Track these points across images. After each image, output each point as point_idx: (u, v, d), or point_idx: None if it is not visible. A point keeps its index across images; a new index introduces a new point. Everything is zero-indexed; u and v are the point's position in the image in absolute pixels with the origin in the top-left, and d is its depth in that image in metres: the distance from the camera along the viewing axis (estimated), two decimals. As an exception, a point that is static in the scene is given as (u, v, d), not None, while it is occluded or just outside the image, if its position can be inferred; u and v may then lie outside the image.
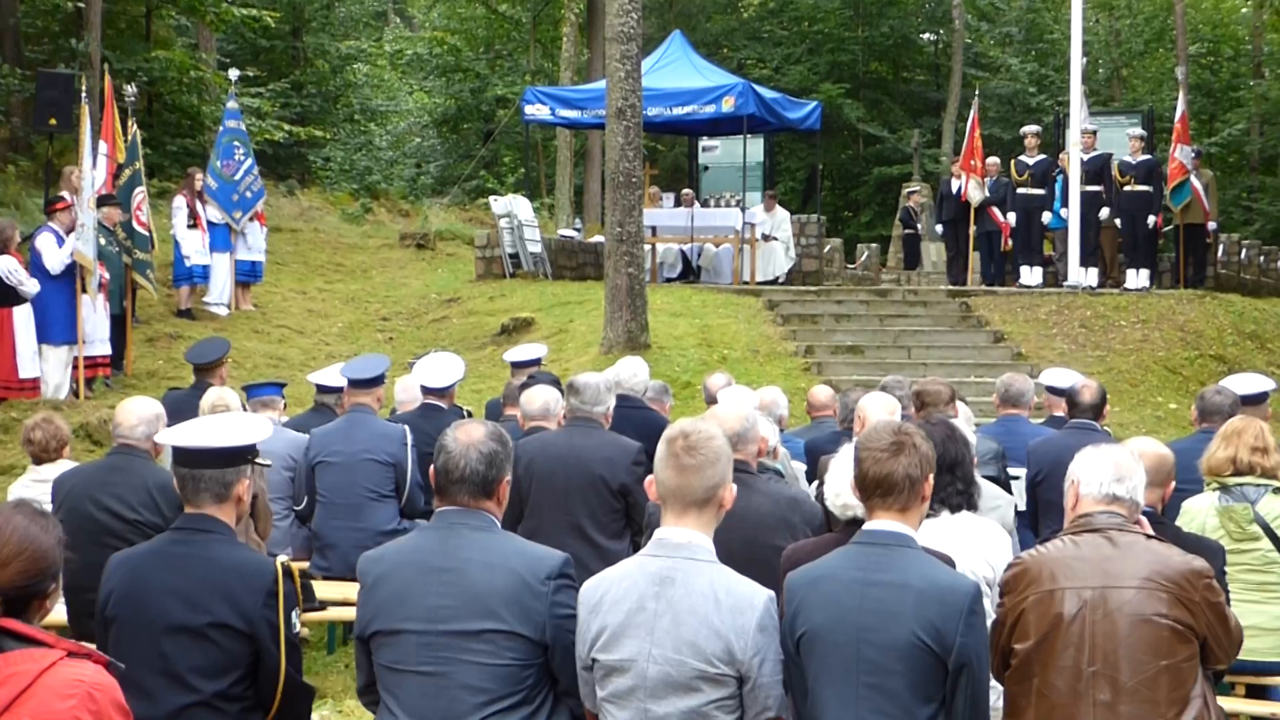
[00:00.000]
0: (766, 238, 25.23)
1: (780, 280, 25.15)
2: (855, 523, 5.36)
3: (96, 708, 3.76)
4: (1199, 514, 7.60)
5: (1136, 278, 23.22)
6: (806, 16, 47.39)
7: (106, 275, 16.37)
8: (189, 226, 20.23)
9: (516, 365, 12.35)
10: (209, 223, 20.59)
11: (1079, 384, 9.75)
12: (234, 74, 22.90)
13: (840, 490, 5.57)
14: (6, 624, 3.80)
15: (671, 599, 4.55)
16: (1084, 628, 5.03)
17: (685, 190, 27.32)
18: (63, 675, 3.77)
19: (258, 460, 5.50)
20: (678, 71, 25.51)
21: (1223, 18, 52.37)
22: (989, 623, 5.06)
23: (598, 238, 24.70)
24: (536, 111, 26.15)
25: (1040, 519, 9.26)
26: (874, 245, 32.50)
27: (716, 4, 49.43)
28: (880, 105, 47.29)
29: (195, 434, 5.29)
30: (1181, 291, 22.67)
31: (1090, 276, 22.83)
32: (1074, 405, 9.60)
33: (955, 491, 6.15)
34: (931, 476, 4.85)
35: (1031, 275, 23.94)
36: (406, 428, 9.69)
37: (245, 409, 9.87)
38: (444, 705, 4.71)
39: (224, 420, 5.61)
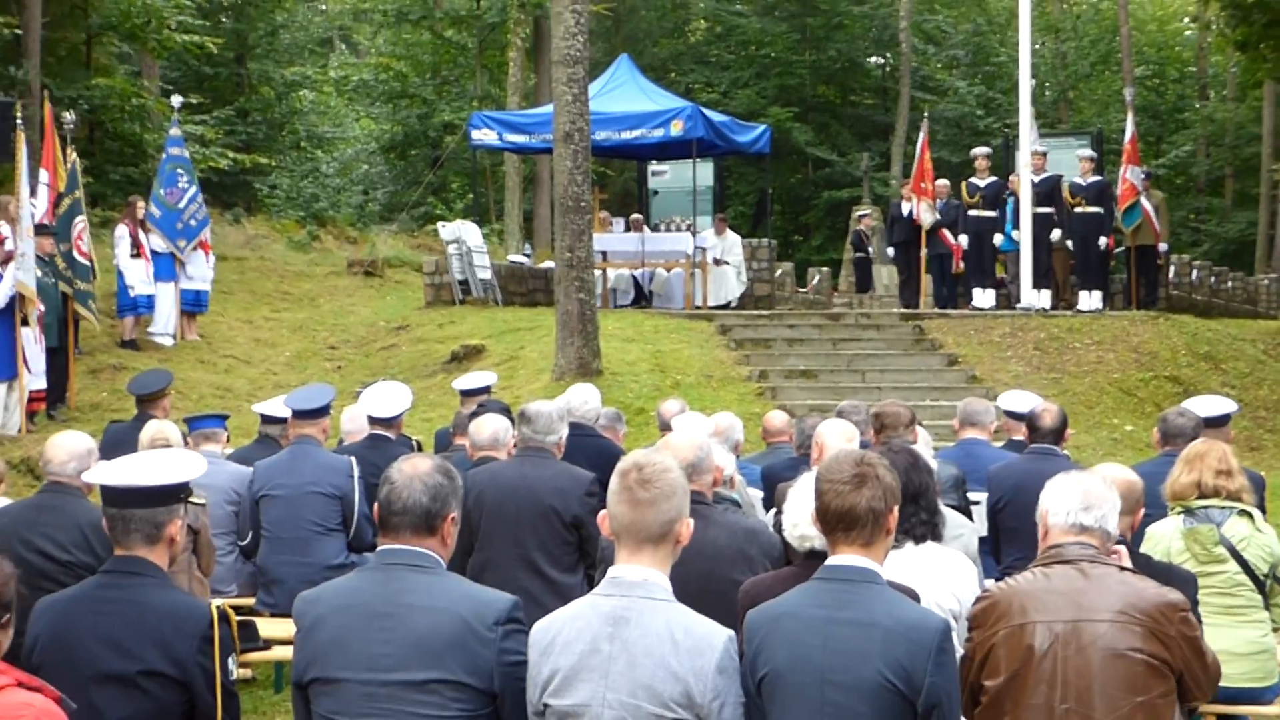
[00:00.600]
0: (718, 262, 25.09)
1: (732, 305, 25.01)
2: (814, 555, 5.19)
3: None
4: (1163, 539, 7.44)
5: (1089, 299, 23.18)
6: (754, 40, 47.49)
7: (42, 308, 16.05)
8: (132, 256, 19.88)
9: (466, 393, 12.13)
10: (153, 252, 20.23)
11: (1039, 408, 9.58)
12: (177, 101, 22.56)
13: (798, 521, 5.37)
14: None
15: (627, 640, 4.33)
16: (1056, 663, 4.84)
17: (635, 215, 27.19)
18: (11, 699, 3.71)
19: (192, 499, 5.28)
20: (625, 95, 25.39)
21: (1168, 40, 52.90)
22: (957, 657, 4.87)
23: (548, 263, 24.52)
24: (483, 136, 25.95)
25: (1001, 546, 9.09)
26: (825, 269, 32.48)
27: (663, 28, 49.54)
28: (829, 129, 47.45)
29: (124, 473, 5.06)
30: (1135, 313, 22.65)
31: (1043, 298, 22.77)
32: (1034, 430, 9.43)
33: (920, 522, 5.96)
34: (896, 509, 4.64)
35: (984, 298, 23.87)
36: (353, 459, 9.44)
37: (186, 442, 9.59)
38: None
39: (155, 458, 5.35)
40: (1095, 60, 49.06)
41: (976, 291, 23.98)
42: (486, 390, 12.21)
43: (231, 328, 22.62)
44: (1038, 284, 22.60)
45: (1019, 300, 22.81)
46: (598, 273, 21.33)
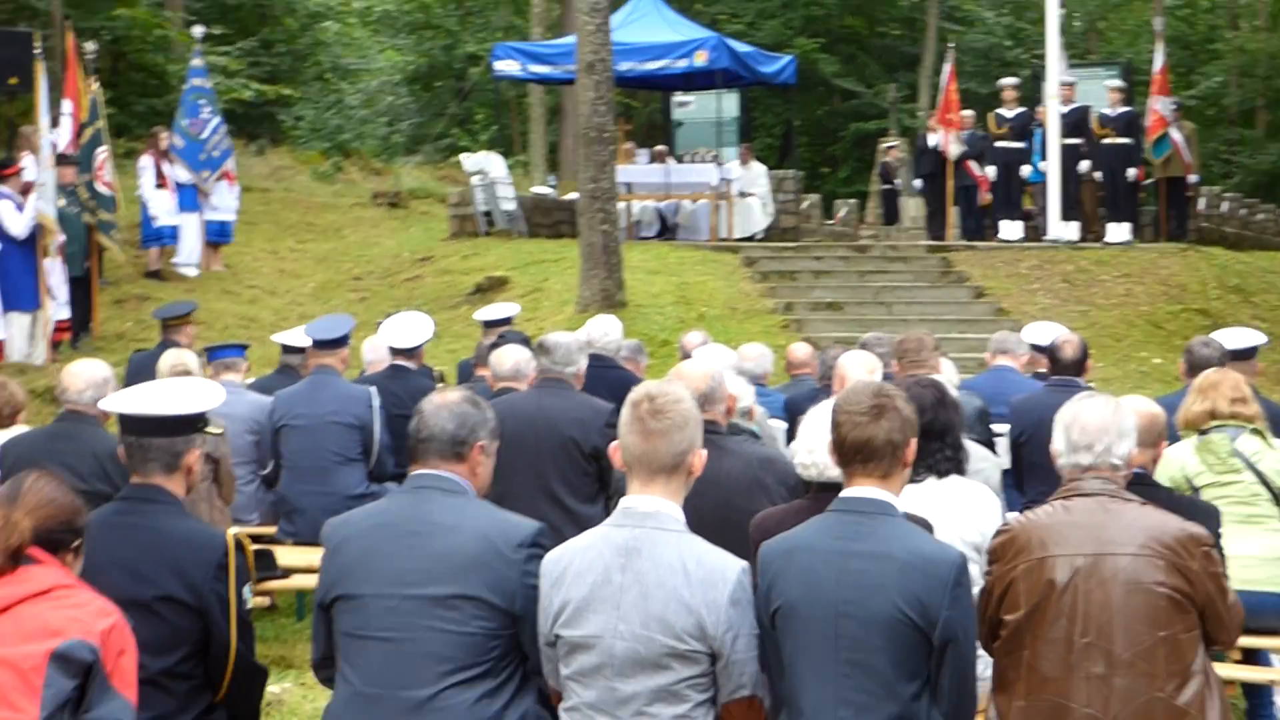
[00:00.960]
0: (743, 194, 24.94)
1: (758, 237, 24.88)
2: (827, 487, 5.14)
3: (111, 623, 4.12)
4: (1176, 458, 7.40)
5: (1118, 231, 22.99)
6: (781, -30, 47.01)
7: (63, 237, 16.02)
8: (156, 187, 19.83)
9: (488, 325, 12.10)
10: (176, 183, 20.20)
11: (1060, 339, 9.53)
12: (199, 31, 22.45)
13: (812, 450, 5.31)
14: (36, 552, 4.22)
15: (639, 571, 4.33)
16: (1076, 597, 4.77)
17: (659, 147, 27.02)
18: (80, 595, 4.19)
19: (209, 429, 5.29)
20: (649, 26, 25.18)
21: (1199, -32, 52.18)
22: (976, 590, 4.85)
23: (573, 195, 24.40)
24: (507, 67, 25.81)
25: (1025, 478, 9.07)
26: (852, 201, 32.25)
27: (689, -43, 49.04)
28: (856, 60, 46.97)
29: (142, 401, 5.05)
30: (1164, 245, 22.45)
31: (1071, 230, 22.57)
32: (1055, 361, 9.38)
33: (944, 458, 5.93)
34: (914, 441, 4.62)
35: (1011, 230, 23.67)
36: (373, 389, 9.41)
37: (205, 371, 9.58)
38: (404, 673, 4.53)
39: (173, 386, 5.36)
40: (1126, -11, 48.55)
41: (1004, 223, 23.77)
42: (508, 321, 12.17)
43: (256, 259, 22.62)
44: (1066, 216, 22.41)
45: (1046, 232, 22.63)
46: (622, 205, 21.24)
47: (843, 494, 4.64)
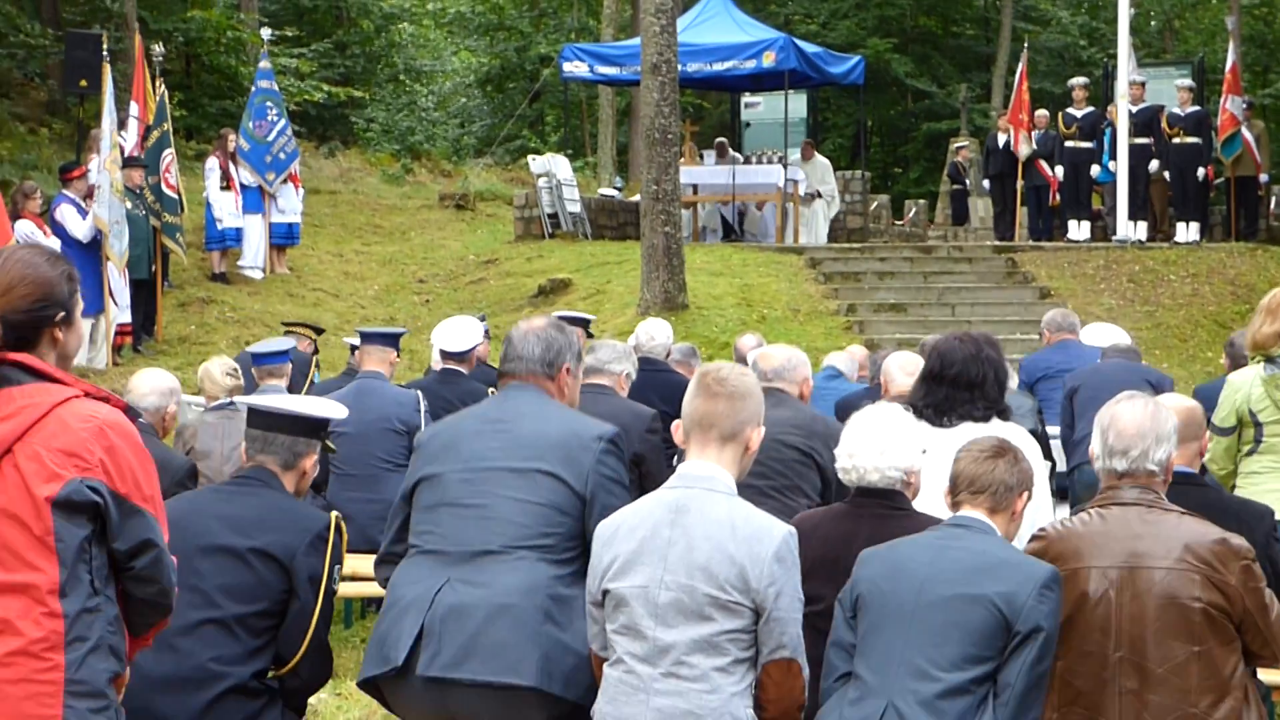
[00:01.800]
0: (808, 195, 24.84)
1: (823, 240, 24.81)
2: (865, 492, 5.20)
3: (109, 443, 3.77)
4: (1243, 386, 7.35)
5: (1186, 231, 22.75)
6: (854, -30, 46.86)
7: (119, 242, 16.14)
8: (222, 189, 20.00)
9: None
10: (241, 185, 20.35)
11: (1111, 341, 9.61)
12: (266, 33, 22.68)
13: (854, 453, 5.25)
14: (16, 358, 3.80)
15: (687, 526, 4.40)
16: (1110, 610, 4.70)
17: (720, 139, 26.97)
18: (78, 409, 3.78)
19: (329, 443, 5.50)
20: (717, 27, 25.15)
21: (1278, -34, 51.57)
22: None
23: (638, 196, 24.44)
24: (575, 69, 25.86)
25: (1076, 421, 9.26)
26: (921, 201, 32.15)
27: (762, -41, 48.97)
28: (929, 60, 46.72)
29: (273, 399, 5.42)
30: (1233, 244, 22.20)
31: (1139, 230, 22.36)
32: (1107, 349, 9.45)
33: (983, 405, 5.90)
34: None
35: (1079, 230, 23.48)
36: (419, 392, 9.43)
37: (250, 374, 9.63)
38: (473, 535, 4.81)
39: (305, 398, 5.73)
40: (1203, -12, 48.06)
41: (1071, 223, 23.60)
42: (585, 324, 12.05)
43: (322, 261, 22.77)
44: (1134, 215, 22.20)
45: (1115, 232, 22.43)
46: (687, 209, 21.21)
47: (952, 515, 4.82)
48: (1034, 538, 5.05)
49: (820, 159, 25.93)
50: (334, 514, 5.17)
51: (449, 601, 4.72)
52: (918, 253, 22.91)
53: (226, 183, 20.02)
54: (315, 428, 5.28)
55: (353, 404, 9.22)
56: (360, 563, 8.83)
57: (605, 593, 4.47)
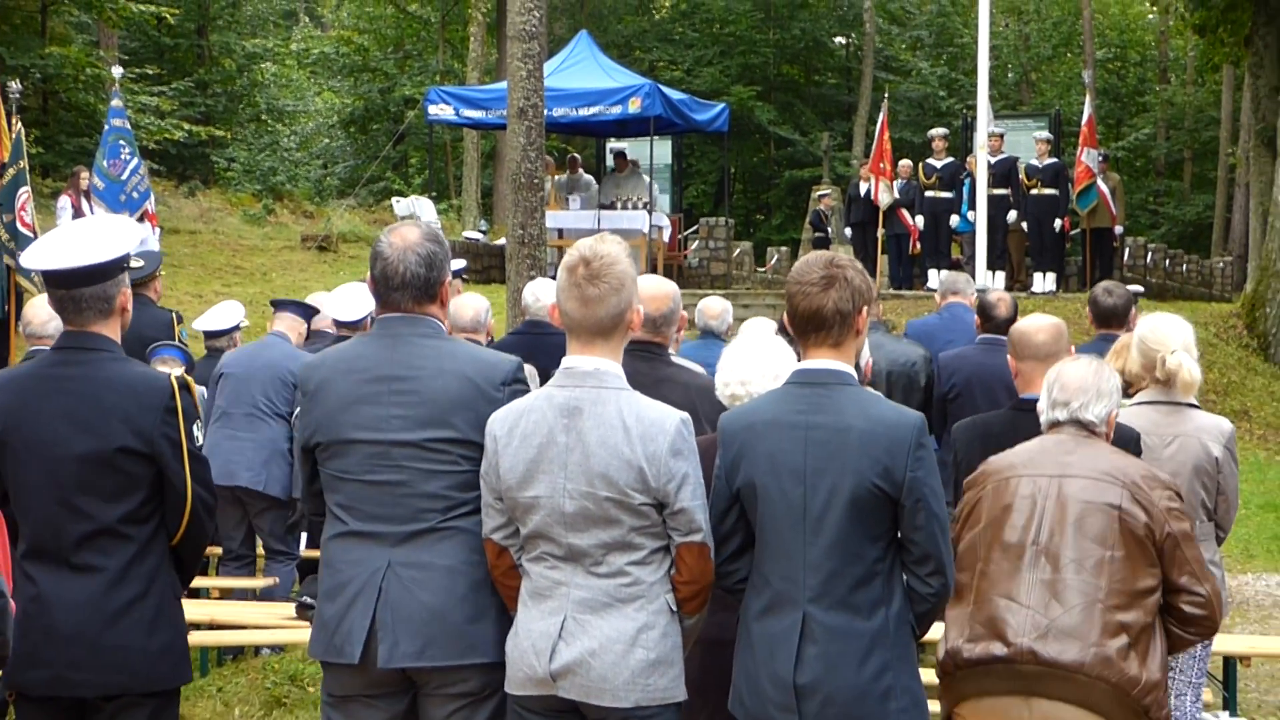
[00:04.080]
0: (626, 204, 24.63)
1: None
2: None
3: None
4: None
5: (1043, 281, 23.17)
6: (718, 19, 47.36)
7: None
8: (76, 229, 19.65)
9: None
10: (97, 224, 20.01)
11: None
12: (118, 71, 22.26)
13: (729, 380, 5.31)
14: None
15: (581, 431, 4.43)
16: (1035, 508, 4.92)
17: (572, 155, 27.01)
18: None
19: (130, 264, 5.21)
20: (584, 72, 25.23)
21: (1129, 23, 52.96)
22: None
23: (503, 240, 24.37)
24: (440, 111, 25.76)
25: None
26: (784, 248, 32.46)
27: (628, 5, 49.34)
28: (792, 108, 47.33)
29: (67, 253, 4.92)
30: (1088, 295, 22.48)
31: (997, 280, 22.72)
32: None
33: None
34: (866, 310, 4.65)
35: (938, 279, 23.77)
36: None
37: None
38: (399, 512, 4.68)
39: (92, 231, 5.13)
40: (1058, 42, 49.10)
41: (931, 272, 23.91)
42: (459, 275, 12.00)
43: (181, 302, 22.39)
44: (992, 265, 22.55)
45: (974, 281, 22.72)
46: (553, 250, 21.17)
47: (799, 366, 4.73)
48: (981, 469, 5.22)
49: (640, 176, 25.80)
50: (173, 374, 4.99)
51: (396, 591, 4.64)
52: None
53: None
54: (118, 267, 4.96)
55: (250, 353, 9.77)
56: (218, 610, 8.71)
57: (510, 497, 4.51)
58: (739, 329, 8.73)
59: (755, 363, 5.23)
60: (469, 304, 8.58)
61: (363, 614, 4.66)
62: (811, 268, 4.67)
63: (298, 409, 5.00)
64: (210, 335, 10.61)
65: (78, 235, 5.08)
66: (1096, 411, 5.12)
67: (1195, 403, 6.49)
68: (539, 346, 8.67)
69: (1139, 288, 10.43)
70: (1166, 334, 6.32)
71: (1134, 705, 4.72)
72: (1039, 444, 5.14)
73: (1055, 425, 5.17)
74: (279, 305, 10.27)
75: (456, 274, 11.79)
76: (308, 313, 10.24)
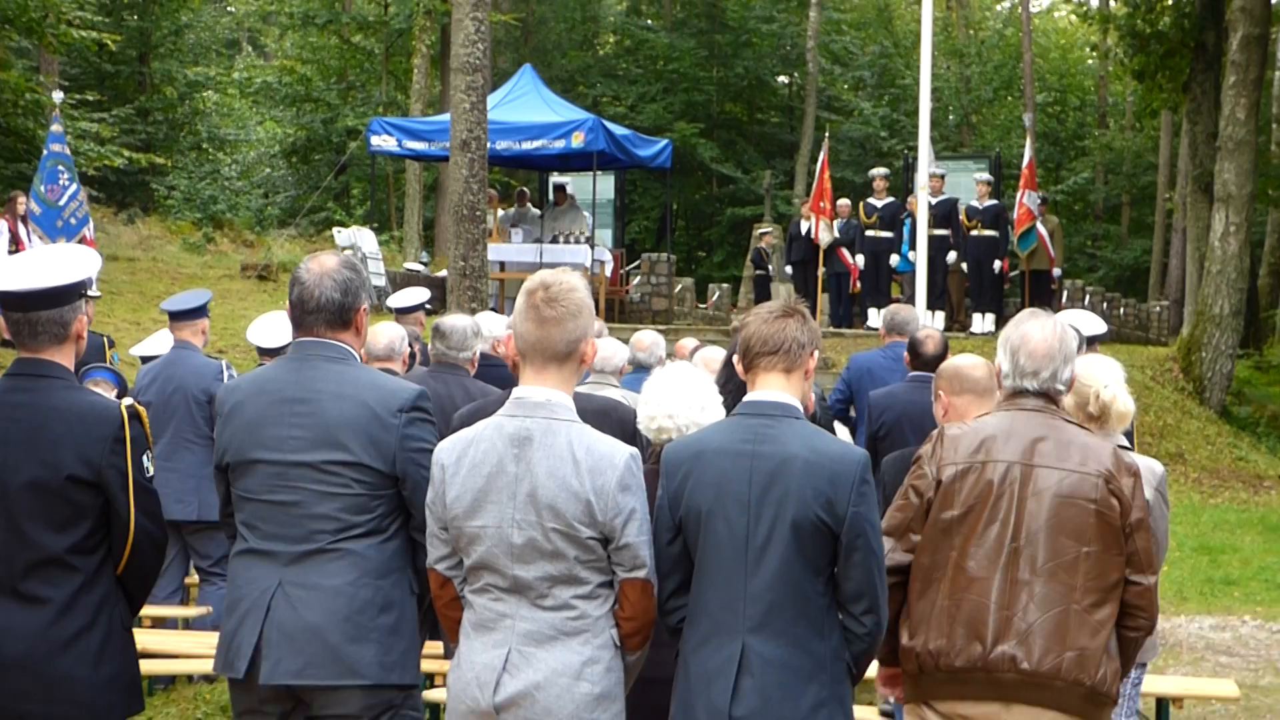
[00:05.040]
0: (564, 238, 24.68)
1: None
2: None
3: None
4: None
5: (982, 322, 23.34)
6: (662, 56, 47.50)
7: None
8: (11, 252, 19.47)
9: (400, 312, 11.72)
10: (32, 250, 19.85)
11: (922, 334, 9.56)
12: (58, 96, 22.15)
13: (654, 414, 5.29)
14: None
15: (530, 461, 4.43)
16: (1010, 503, 4.87)
17: (521, 189, 26.99)
18: None
19: (89, 293, 5.24)
20: (528, 105, 25.26)
21: (1069, 68, 53.49)
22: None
23: (444, 272, 24.33)
24: (383, 142, 25.72)
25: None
26: (725, 285, 32.49)
27: (572, 41, 49.45)
28: (734, 146, 47.52)
29: (26, 275, 4.92)
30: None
31: (937, 320, 22.79)
32: (916, 356, 9.42)
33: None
34: (817, 354, 4.72)
35: (879, 318, 23.83)
36: (225, 362, 9.67)
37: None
38: (294, 531, 4.79)
39: (51, 256, 5.18)
40: (998, 86, 49.49)
41: (871, 311, 23.99)
42: (420, 308, 11.82)
43: (119, 329, 22.19)
44: (932, 305, 22.64)
45: (913, 321, 22.83)
46: (495, 282, 21.14)
47: (746, 398, 4.73)
48: (939, 432, 5.15)
49: (577, 211, 25.82)
50: (123, 403, 4.97)
51: (283, 610, 4.73)
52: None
53: (16, 246, 19.50)
54: (75, 292, 4.94)
55: (160, 374, 9.52)
56: (149, 638, 8.62)
57: (457, 527, 4.51)
58: (695, 358, 8.75)
59: (679, 394, 5.23)
60: (384, 332, 8.57)
61: (251, 630, 4.75)
62: (771, 304, 4.81)
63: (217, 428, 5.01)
64: (266, 353, 9.97)
65: (36, 260, 5.12)
66: (1064, 378, 5.06)
67: (1129, 445, 6.52)
68: (490, 378, 8.72)
69: (1101, 327, 10.34)
70: (1096, 371, 6.36)
71: (1103, 699, 4.82)
72: (1007, 423, 5.00)
73: (1020, 393, 5.06)
74: (174, 315, 9.71)
75: (418, 307, 11.81)
76: (202, 311, 9.78)
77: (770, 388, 4.68)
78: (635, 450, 4.49)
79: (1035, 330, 5.08)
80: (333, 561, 4.76)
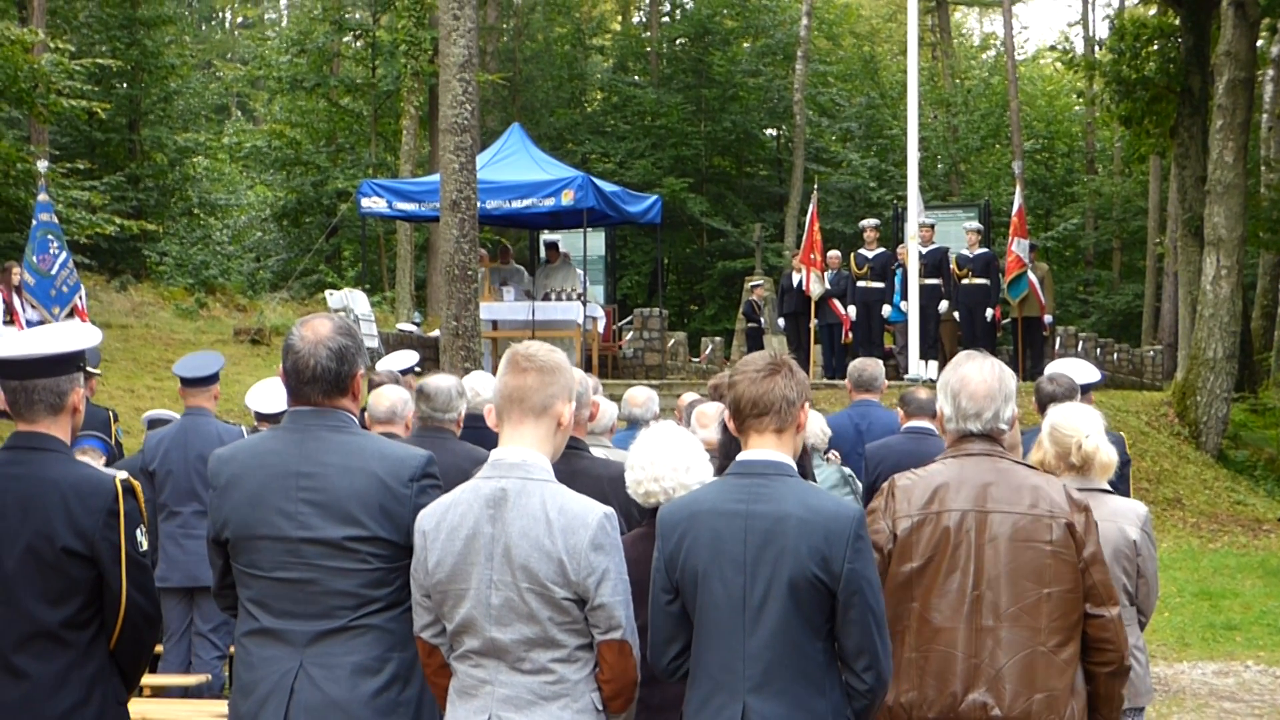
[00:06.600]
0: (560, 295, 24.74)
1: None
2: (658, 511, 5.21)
3: None
4: None
5: (976, 370, 23.29)
6: (650, 111, 47.68)
7: None
8: (5, 323, 19.46)
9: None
10: (26, 320, 19.82)
11: (914, 390, 9.64)
12: (43, 165, 22.17)
13: (640, 478, 5.31)
14: None
15: (505, 522, 4.40)
16: (969, 551, 4.90)
17: (503, 244, 27.00)
18: None
19: (89, 368, 5.18)
20: (517, 164, 25.28)
21: (1056, 115, 53.70)
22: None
23: (437, 332, 24.33)
24: (373, 204, 25.73)
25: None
26: (718, 339, 32.52)
27: (559, 98, 49.63)
28: (724, 199, 47.63)
29: (21, 343, 4.95)
30: (1020, 384, 22.65)
31: (930, 369, 22.83)
32: (907, 404, 9.43)
33: None
34: (807, 406, 4.71)
35: (849, 370, 23.83)
36: (244, 427, 9.71)
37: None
38: (315, 610, 4.70)
39: (51, 328, 5.24)
40: (986, 134, 49.69)
41: (864, 362, 23.98)
42: (410, 372, 11.70)
43: (113, 396, 22.19)
44: (925, 354, 22.71)
45: (906, 371, 22.88)
46: (487, 342, 21.13)
47: (739, 458, 4.72)
48: (891, 483, 5.16)
49: (571, 268, 25.85)
50: (118, 477, 4.92)
51: (307, 691, 4.64)
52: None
53: (10, 317, 19.49)
54: (72, 361, 4.95)
55: (177, 440, 9.45)
56: (149, 708, 8.55)
57: (438, 591, 4.48)
58: (690, 414, 8.78)
59: (663, 457, 5.25)
60: (386, 395, 8.47)
61: (275, 713, 4.67)
62: (756, 359, 4.76)
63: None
64: (264, 418, 10.01)
65: (34, 331, 5.14)
66: (1005, 417, 5.07)
67: (1109, 487, 6.53)
68: (475, 440, 8.66)
69: (1095, 375, 10.33)
70: (1077, 421, 6.36)
71: None
72: (956, 470, 5.03)
73: (965, 437, 5.08)
74: (186, 382, 9.68)
75: (408, 370, 11.77)
76: (214, 379, 9.76)
77: (763, 447, 4.68)
78: (610, 510, 4.46)
79: (974, 372, 5.09)
80: (356, 638, 4.69)
